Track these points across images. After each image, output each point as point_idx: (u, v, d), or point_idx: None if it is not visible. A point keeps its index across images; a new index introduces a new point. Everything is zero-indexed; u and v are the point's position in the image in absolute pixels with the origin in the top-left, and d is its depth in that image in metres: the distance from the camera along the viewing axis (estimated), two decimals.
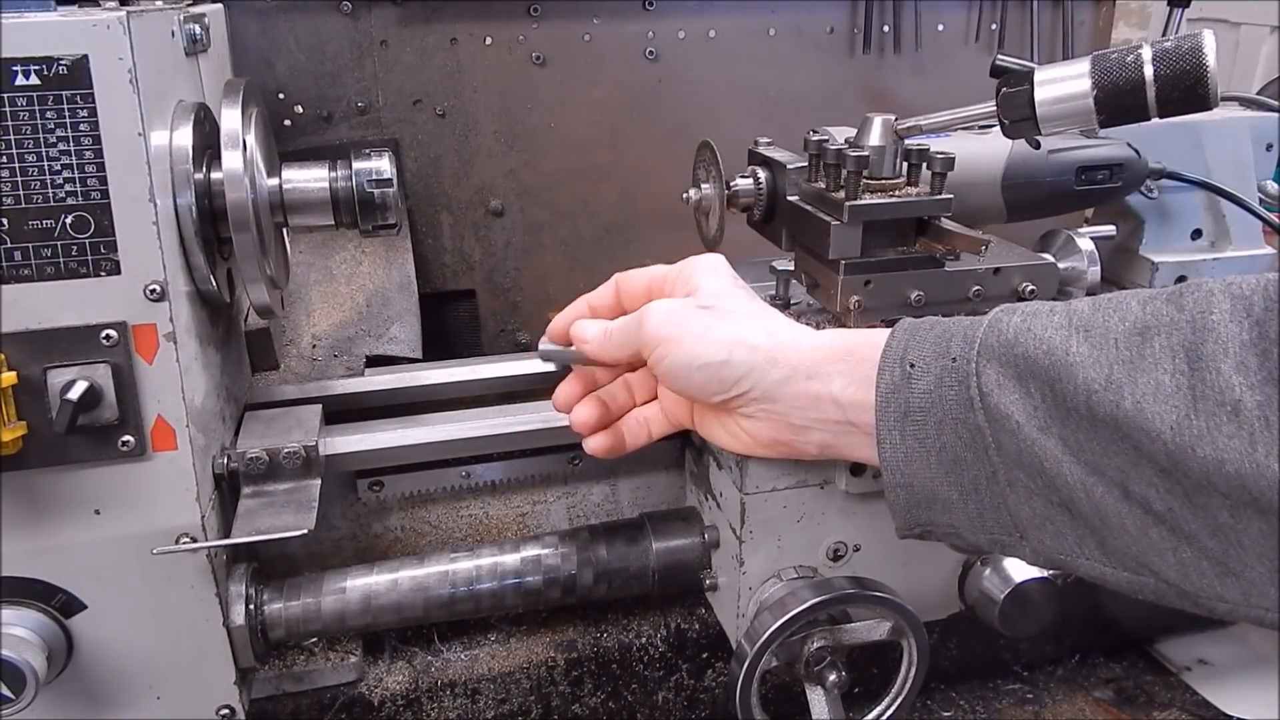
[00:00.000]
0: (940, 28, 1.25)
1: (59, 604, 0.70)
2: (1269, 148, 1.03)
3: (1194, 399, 0.46)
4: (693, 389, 0.64)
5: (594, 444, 0.73)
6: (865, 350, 0.61)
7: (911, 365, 0.57)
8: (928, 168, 0.73)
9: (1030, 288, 0.78)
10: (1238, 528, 0.46)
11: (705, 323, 0.64)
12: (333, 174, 0.75)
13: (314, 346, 1.01)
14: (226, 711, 0.76)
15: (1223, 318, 0.46)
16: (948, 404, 0.56)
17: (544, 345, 0.73)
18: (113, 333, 0.64)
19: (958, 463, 0.56)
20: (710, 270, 0.68)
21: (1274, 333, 0.44)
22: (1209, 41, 0.59)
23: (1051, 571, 0.79)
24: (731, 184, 0.82)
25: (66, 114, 0.61)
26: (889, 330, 0.61)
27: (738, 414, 0.65)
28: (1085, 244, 0.95)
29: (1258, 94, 1.09)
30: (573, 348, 0.72)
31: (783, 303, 0.83)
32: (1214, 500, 0.46)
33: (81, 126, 0.61)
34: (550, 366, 0.75)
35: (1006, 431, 0.53)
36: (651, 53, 1.16)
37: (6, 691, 0.65)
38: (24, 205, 0.61)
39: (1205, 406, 0.45)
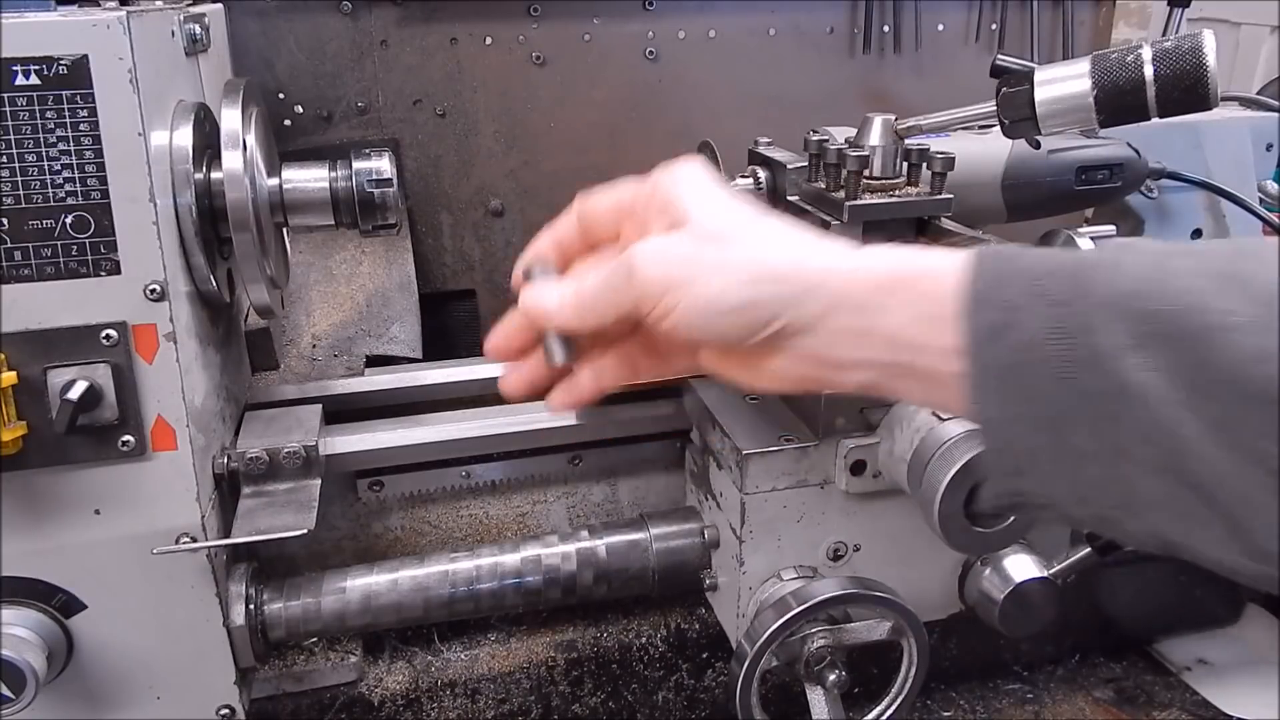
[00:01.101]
0: (940, 28, 1.25)
1: (59, 604, 0.70)
2: (1269, 148, 1.03)
3: None
4: (715, 337, 0.53)
5: (510, 385, 0.60)
6: (928, 283, 0.50)
7: (1013, 310, 0.47)
8: (928, 168, 0.73)
9: None
10: None
11: (714, 257, 0.52)
12: (333, 174, 0.75)
13: (314, 346, 1.01)
14: (226, 711, 0.76)
15: None
16: (1058, 361, 0.45)
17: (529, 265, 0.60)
18: (113, 333, 0.64)
19: (1066, 429, 0.46)
20: (695, 186, 0.54)
21: None
22: (1209, 41, 0.59)
23: (1051, 571, 0.79)
24: (731, 184, 0.82)
25: (66, 114, 0.61)
26: (955, 257, 0.49)
27: (762, 352, 0.54)
28: (1085, 244, 0.94)
29: (1258, 94, 1.09)
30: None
31: None
32: None
33: (81, 126, 0.61)
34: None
35: (1131, 399, 0.44)
36: (651, 53, 1.16)
37: (6, 691, 0.65)
38: (24, 205, 0.61)
39: None
